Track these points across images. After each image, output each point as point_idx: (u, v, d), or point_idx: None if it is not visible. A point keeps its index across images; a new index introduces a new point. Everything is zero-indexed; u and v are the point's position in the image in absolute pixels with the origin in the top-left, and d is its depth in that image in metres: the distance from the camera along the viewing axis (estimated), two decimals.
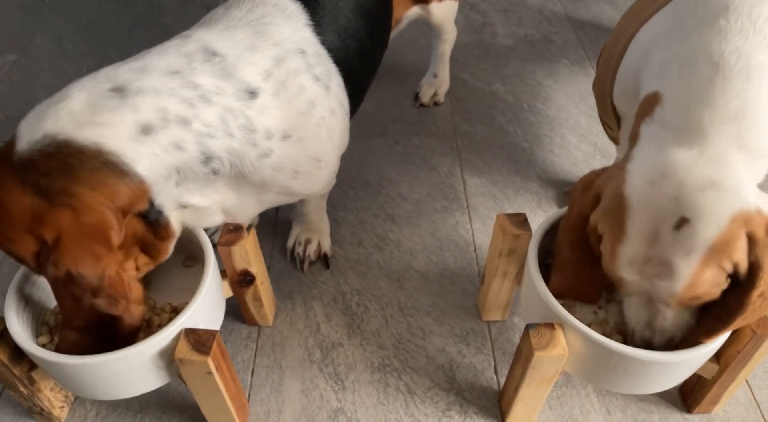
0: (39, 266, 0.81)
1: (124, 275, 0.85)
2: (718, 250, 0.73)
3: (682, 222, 0.72)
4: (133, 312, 0.86)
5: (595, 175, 0.88)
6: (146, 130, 0.82)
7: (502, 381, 1.11)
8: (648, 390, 0.93)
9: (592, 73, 1.87)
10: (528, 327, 0.90)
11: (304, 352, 1.18)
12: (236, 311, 1.21)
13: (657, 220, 0.74)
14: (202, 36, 0.93)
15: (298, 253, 1.32)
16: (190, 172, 0.88)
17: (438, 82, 1.76)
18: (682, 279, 0.75)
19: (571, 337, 0.88)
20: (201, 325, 0.91)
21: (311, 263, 1.33)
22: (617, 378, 0.90)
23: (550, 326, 0.90)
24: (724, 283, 0.77)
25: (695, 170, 0.73)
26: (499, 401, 1.09)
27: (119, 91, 0.83)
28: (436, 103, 1.77)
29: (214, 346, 0.87)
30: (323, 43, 1.03)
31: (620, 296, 0.92)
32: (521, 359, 0.93)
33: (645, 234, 0.75)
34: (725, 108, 0.76)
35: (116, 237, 0.82)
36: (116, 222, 0.81)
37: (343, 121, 1.07)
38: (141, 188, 0.83)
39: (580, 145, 1.62)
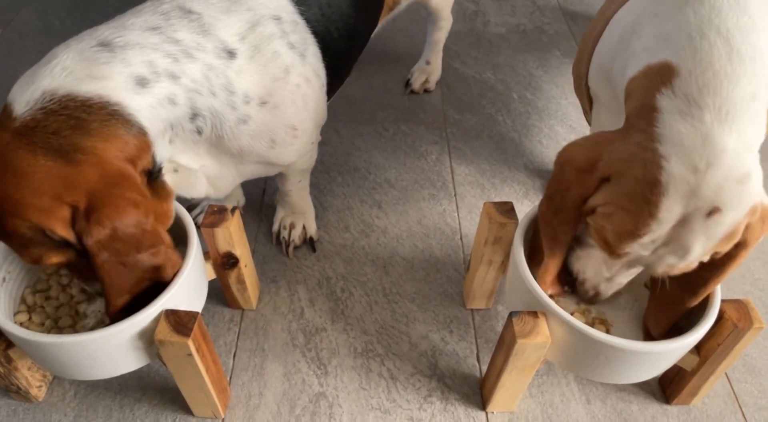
0: (76, 234, 0.77)
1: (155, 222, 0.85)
2: (729, 236, 0.74)
3: (713, 211, 0.72)
4: (172, 258, 0.87)
5: (589, 154, 0.81)
6: (142, 82, 0.82)
7: (485, 368, 1.12)
8: (628, 379, 0.94)
9: None
10: (511, 314, 0.90)
11: (287, 336, 1.17)
12: (219, 294, 1.20)
13: (692, 207, 0.72)
14: None
15: (283, 237, 1.32)
16: (180, 128, 0.89)
17: (430, 70, 1.75)
18: (692, 259, 0.76)
19: (554, 325, 0.89)
20: (182, 306, 0.90)
21: (296, 248, 1.32)
22: (598, 367, 0.90)
23: (534, 314, 0.90)
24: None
25: (738, 160, 0.71)
26: (481, 388, 1.09)
27: (106, 45, 0.82)
28: (426, 91, 1.76)
29: (195, 328, 0.86)
30: (302, 13, 1.03)
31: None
32: (504, 346, 0.93)
33: (675, 219, 0.74)
34: (747, 87, 0.74)
35: (142, 185, 0.82)
36: (135, 172, 0.81)
37: (319, 91, 1.07)
38: (146, 141, 0.83)
39: (568, 137, 1.61)
